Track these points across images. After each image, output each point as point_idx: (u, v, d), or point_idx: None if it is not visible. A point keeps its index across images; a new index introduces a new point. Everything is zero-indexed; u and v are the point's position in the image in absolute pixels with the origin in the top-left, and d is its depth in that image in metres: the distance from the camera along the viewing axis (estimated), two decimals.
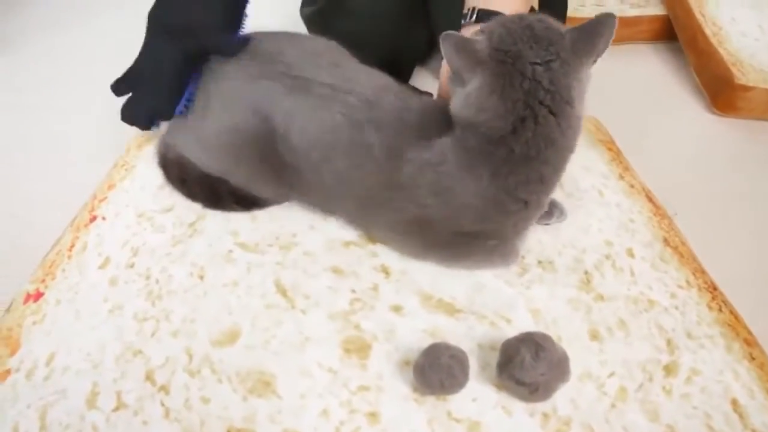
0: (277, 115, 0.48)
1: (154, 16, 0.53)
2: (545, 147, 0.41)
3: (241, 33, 0.54)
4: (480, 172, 0.43)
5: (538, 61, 0.40)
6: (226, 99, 0.50)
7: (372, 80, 0.49)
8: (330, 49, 0.53)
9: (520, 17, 0.43)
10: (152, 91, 0.53)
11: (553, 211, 0.52)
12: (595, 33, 0.41)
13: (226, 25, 0.53)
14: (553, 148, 0.42)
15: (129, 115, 0.54)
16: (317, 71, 0.48)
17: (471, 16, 0.52)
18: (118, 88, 0.55)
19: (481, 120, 0.41)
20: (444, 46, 0.41)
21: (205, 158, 0.52)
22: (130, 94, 0.55)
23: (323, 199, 0.51)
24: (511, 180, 0.43)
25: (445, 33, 0.40)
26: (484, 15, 0.51)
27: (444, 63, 0.53)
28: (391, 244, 0.49)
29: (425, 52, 0.81)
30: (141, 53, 0.54)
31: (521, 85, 0.40)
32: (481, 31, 0.43)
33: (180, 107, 0.52)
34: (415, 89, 0.56)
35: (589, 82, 0.43)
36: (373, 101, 0.47)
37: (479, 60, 0.41)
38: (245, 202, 0.53)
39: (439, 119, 0.46)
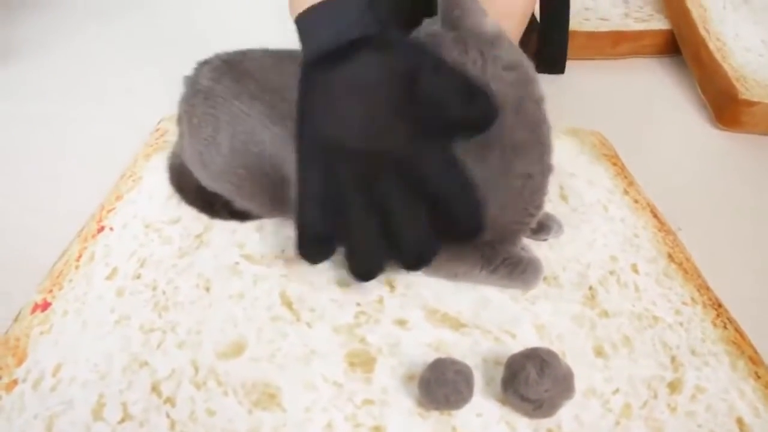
0: (289, 163, 0.45)
1: (325, 118, 0.41)
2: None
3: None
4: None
5: None
6: (237, 139, 0.48)
7: None
8: None
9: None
10: (410, 212, 0.41)
11: (551, 226, 0.52)
12: None
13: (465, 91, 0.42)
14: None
15: (380, 263, 0.43)
16: None
17: None
18: (317, 252, 0.43)
19: None
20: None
21: (209, 183, 0.52)
22: (353, 252, 0.43)
23: None
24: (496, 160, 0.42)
25: None
26: None
27: None
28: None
29: None
30: (322, 178, 0.41)
31: None
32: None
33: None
34: None
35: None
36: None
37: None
38: (239, 215, 0.53)
39: None
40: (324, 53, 0.42)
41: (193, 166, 0.53)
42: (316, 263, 0.45)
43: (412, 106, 0.40)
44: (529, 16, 0.55)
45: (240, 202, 0.52)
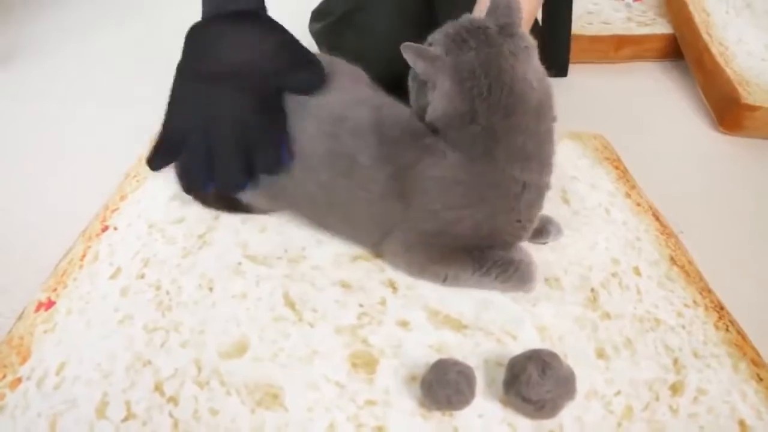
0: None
1: (191, 67, 0.49)
2: (507, 116, 0.42)
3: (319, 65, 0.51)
4: (472, 156, 0.44)
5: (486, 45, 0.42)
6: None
7: (345, 96, 0.50)
8: (343, 71, 0.53)
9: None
10: (231, 144, 0.47)
11: (549, 229, 0.52)
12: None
13: (296, 61, 0.50)
14: (517, 115, 0.43)
15: (203, 183, 0.49)
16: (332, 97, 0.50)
17: None
18: (155, 161, 0.49)
19: (455, 113, 0.43)
20: (406, 56, 0.43)
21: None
22: (184, 163, 0.50)
23: (314, 213, 0.52)
24: (500, 159, 0.44)
25: (403, 44, 0.43)
26: None
27: None
28: (403, 257, 0.49)
29: None
30: (176, 110, 0.49)
31: (474, 71, 0.42)
32: (430, 43, 0.45)
33: (284, 156, 0.48)
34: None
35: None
36: (342, 115, 0.48)
37: (438, 62, 0.43)
38: (228, 204, 0.53)
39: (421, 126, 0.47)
40: (212, 16, 0.51)
41: None
42: (156, 170, 0.51)
43: (266, 60, 0.48)
44: (532, 20, 0.56)
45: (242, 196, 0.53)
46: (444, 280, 0.48)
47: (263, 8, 0.53)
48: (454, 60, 0.43)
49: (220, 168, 0.48)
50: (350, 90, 0.51)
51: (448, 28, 0.45)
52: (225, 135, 0.47)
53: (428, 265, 0.48)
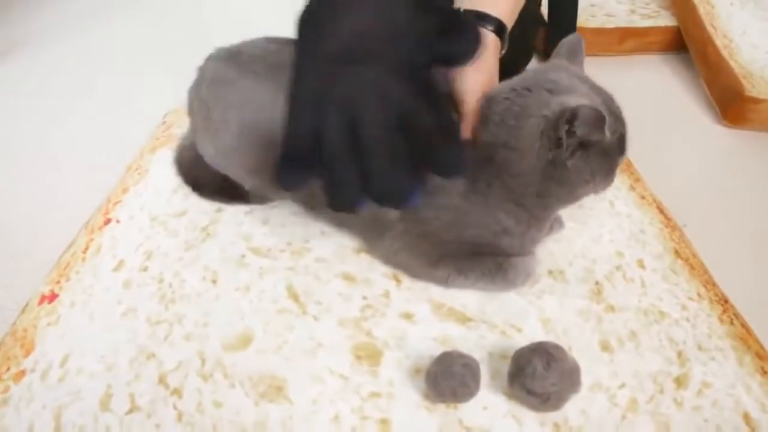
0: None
1: (313, 49, 0.37)
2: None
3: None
4: (481, 185, 0.44)
5: None
6: (246, 117, 0.49)
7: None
8: None
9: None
10: (394, 149, 0.35)
11: (552, 224, 0.52)
12: None
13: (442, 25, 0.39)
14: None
15: (365, 196, 0.36)
16: None
17: None
18: (290, 177, 0.37)
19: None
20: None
21: (221, 163, 0.52)
22: (329, 174, 0.36)
23: (315, 204, 0.51)
24: (494, 199, 0.44)
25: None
26: (470, 16, 0.50)
27: None
28: (398, 261, 0.49)
29: None
30: (307, 107, 0.36)
31: None
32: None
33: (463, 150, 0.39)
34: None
35: None
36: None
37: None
38: (226, 194, 0.53)
39: None
40: None
41: (205, 151, 0.53)
42: (290, 189, 0.41)
43: (405, 27, 0.37)
44: (517, 12, 0.54)
45: (250, 182, 0.52)
46: (443, 282, 0.48)
47: None
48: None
49: (381, 178, 0.36)
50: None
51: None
52: (377, 133, 0.35)
53: (419, 267, 0.48)
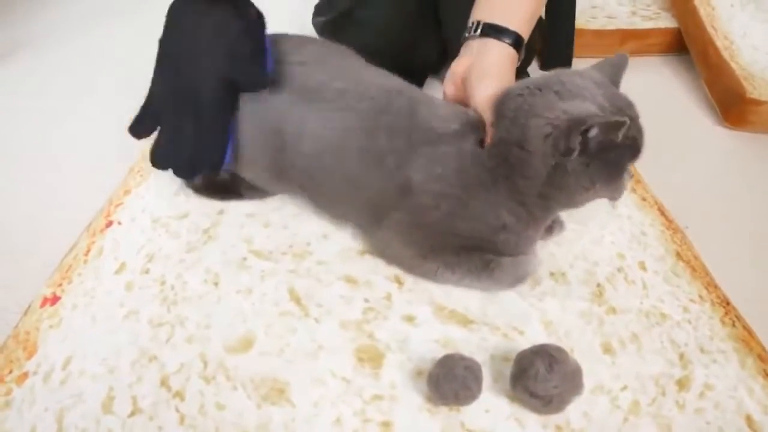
0: (289, 126, 0.48)
1: (168, 42, 0.49)
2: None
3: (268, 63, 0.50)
4: (487, 180, 0.44)
5: None
6: (245, 110, 0.50)
7: (384, 83, 0.50)
8: (341, 53, 0.53)
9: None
10: (184, 134, 0.48)
11: (553, 227, 0.52)
12: None
13: (250, 55, 0.49)
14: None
15: (164, 162, 0.50)
16: (329, 76, 0.49)
17: (475, 30, 0.52)
18: (137, 129, 0.50)
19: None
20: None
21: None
22: (157, 137, 0.50)
23: (333, 202, 0.52)
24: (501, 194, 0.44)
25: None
26: (488, 29, 0.51)
27: (450, 70, 0.53)
28: (390, 253, 0.49)
29: (437, 62, 0.81)
30: (155, 86, 0.50)
31: None
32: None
33: (228, 156, 0.49)
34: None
35: None
36: (384, 106, 0.47)
37: None
38: (218, 190, 0.55)
39: (448, 124, 0.46)
40: None
41: None
42: (139, 137, 0.50)
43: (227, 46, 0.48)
44: (536, 19, 0.55)
45: (249, 177, 0.53)
46: (432, 275, 0.48)
47: None
48: None
49: (174, 153, 0.49)
50: (383, 75, 0.51)
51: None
52: (181, 122, 0.48)
53: (410, 258, 0.48)
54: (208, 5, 0.49)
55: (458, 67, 0.52)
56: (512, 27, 0.51)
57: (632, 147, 0.43)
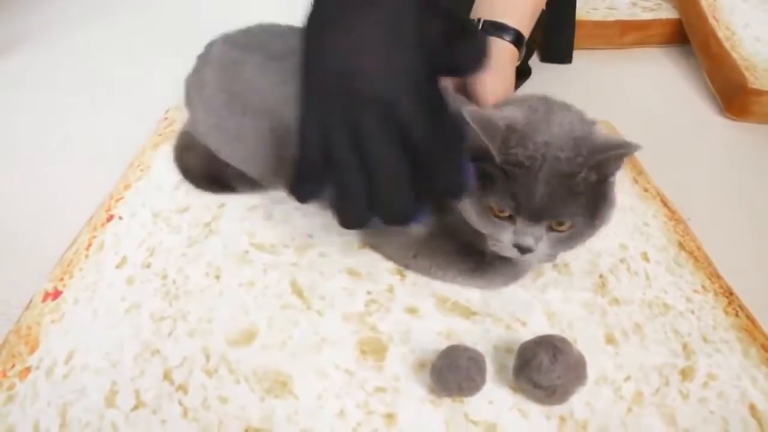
0: (289, 111, 0.46)
1: (318, 64, 0.36)
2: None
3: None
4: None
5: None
6: (250, 103, 0.49)
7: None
8: None
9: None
10: (398, 165, 0.35)
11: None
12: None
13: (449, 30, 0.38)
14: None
15: (373, 212, 0.37)
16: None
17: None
18: (303, 190, 0.38)
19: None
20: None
21: (223, 149, 0.53)
22: (340, 190, 0.37)
23: None
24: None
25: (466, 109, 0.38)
26: (489, 26, 0.51)
27: None
28: (384, 251, 0.49)
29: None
30: (314, 122, 0.36)
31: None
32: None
33: (467, 173, 0.38)
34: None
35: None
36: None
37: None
38: (216, 185, 0.54)
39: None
40: None
41: (208, 139, 0.54)
42: (304, 202, 0.41)
43: (410, 36, 0.35)
44: (537, 14, 0.55)
45: (251, 169, 0.52)
46: (426, 272, 0.47)
47: None
48: None
49: (385, 196, 0.36)
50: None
51: None
52: (379, 149, 0.35)
53: (405, 258, 0.48)
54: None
55: None
56: (513, 24, 0.50)
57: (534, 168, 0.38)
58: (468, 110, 0.39)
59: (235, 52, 0.51)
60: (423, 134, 0.34)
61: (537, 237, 0.40)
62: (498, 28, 0.50)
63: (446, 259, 0.47)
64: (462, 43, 0.37)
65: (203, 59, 0.54)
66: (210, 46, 0.54)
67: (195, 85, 0.54)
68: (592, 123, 0.42)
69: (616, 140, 0.41)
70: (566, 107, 0.42)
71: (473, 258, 0.46)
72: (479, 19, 0.51)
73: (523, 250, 0.40)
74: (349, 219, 0.38)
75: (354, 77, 0.34)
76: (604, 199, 0.41)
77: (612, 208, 0.42)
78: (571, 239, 0.41)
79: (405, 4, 0.35)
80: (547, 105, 0.42)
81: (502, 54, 0.50)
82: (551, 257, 0.42)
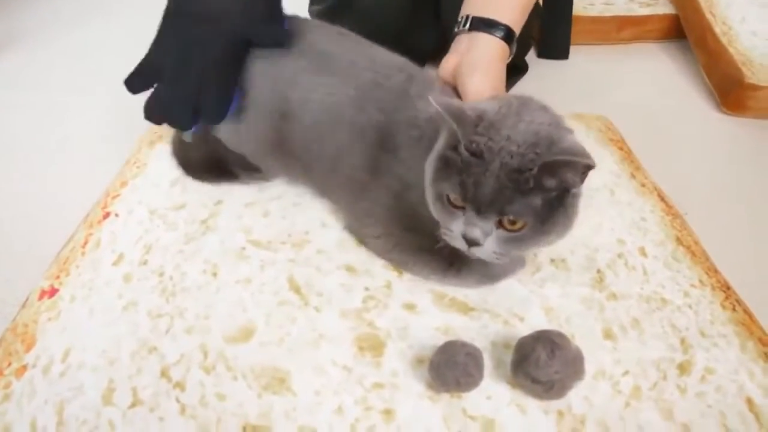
0: (296, 93, 0.49)
1: (178, 1, 0.51)
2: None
3: (284, 23, 0.52)
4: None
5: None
6: (249, 78, 0.51)
7: (391, 59, 0.51)
8: (353, 35, 0.54)
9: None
10: (190, 86, 0.49)
11: None
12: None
13: (267, 15, 0.51)
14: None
15: (161, 113, 0.51)
16: (343, 48, 0.50)
17: (465, 24, 0.52)
18: (132, 83, 0.51)
19: None
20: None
21: (223, 131, 0.54)
22: (155, 90, 0.51)
23: (321, 175, 0.52)
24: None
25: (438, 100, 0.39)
26: (477, 23, 0.51)
27: (440, 65, 0.52)
28: (368, 247, 0.49)
29: (436, 50, 0.81)
30: (159, 43, 0.51)
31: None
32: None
33: (233, 107, 0.50)
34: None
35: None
36: (382, 79, 0.48)
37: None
38: (215, 173, 0.55)
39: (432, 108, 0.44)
40: None
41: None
42: (132, 91, 0.51)
43: (241, 7, 0.50)
44: (530, 7, 0.55)
45: (250, 148, 0.53)
46: (404, 267, 0.48)
47: None
48: None
49: (175, 104, 0.50)
50: (389, 54, 0.51)
51: None
52: (188, 75, 0.49)
53: (383, 253, 0.49)
54: None
55: (448, 62, 0.51)
56: (502, 20, 0.50)
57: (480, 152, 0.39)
58: (434, 97, 0.39)
59: None
60: (209, 75, 0.49)
61: (485, 231, 0.39)
62: (487, 24, 0.50)
63: (417, 257, 0.47)
64: (274, 24, 0.51)
65: None
66: None
67: None
68: (568, 130, 0.41)
69: (574, 148, 0.38)
70: (544, 109, 0.42)
71: (448, 257, 0.45)
72: (468, 16, 0.51)
73: (470, 242, 0.40)
74: (152, 111, 0.51)
75: (200, 22, 0.49)
76: (563, 211, 0.39)
77: (570, 224, 0.40)
78: (521, 242, 0.40)
79: None
80: (523, 103, 0.41)
81: (490, 51, 0.50)
82: (501, 257, 0.41)
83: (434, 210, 0.42)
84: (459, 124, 0.39)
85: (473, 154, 0.38)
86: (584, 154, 0.37)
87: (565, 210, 0.39)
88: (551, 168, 0.37)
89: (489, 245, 0.40)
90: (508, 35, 0.50)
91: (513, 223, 0.39)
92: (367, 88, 0.48)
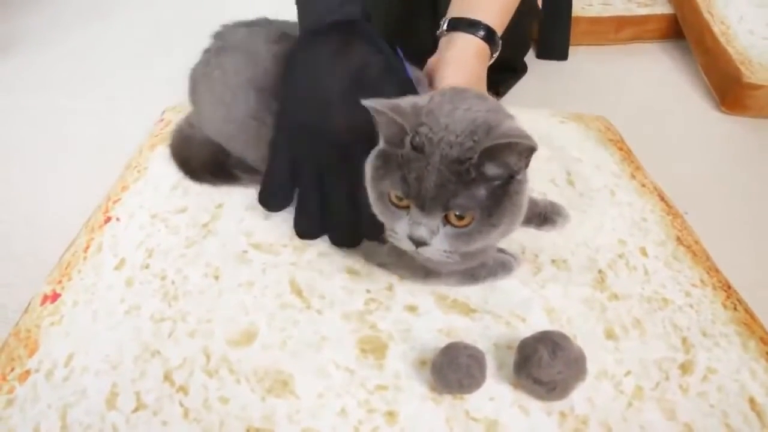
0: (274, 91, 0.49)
1: (293, 103, 0.47)
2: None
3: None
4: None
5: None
6: (255, 82, 0.51)
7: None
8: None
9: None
10: (344, 194, 0.46)
11: (555, 219, 0.51)
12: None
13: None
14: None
15: (322, 231, 0.49)
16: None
17: (445, 25, 0.52)
18: (272, 201, 0.50)
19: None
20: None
21: (231, 132, 0.54)
22: (299, 203, 0.49)
23: None
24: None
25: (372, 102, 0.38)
26: (455, 23, 0.51)
27: (428, 61, 0.52)
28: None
29: (434, 47, 0.81)
30: (286, 143, 0.47)
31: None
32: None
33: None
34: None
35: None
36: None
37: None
38: (215, 175, 0.55)
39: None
40: (310, 31, 0.48)
41: (213, 125, 0.54)
42: (272, 211, 0.51)
43: (359, 93, 0.40)
44: (511, 13, 0.55)
45: (253, 154, 0.53)
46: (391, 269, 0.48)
47: (364, 15, 0.49)
48: None
49: (334, 216, 0.48)
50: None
51: None
52: (336, 187, 0.47)
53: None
54: (342, 44, 0.46)
55: (429, 63, 0.52)
56: (484, 20, 0.50)
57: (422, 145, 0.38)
58: (368, 100, 0.38)
59: (240, 32, 0.53)
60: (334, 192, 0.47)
61: (432, 229, 0.38)
62: (465, 24, 0.50)
63: (402, 258, 0.46)
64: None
65: (214, 44, 0.55)
66: (225, 34, 0.55)
67: (203, 72, 0.54)
68: (507, 116, 0.39)
69: (513, 131, 0.37)
70: (481, 98, 0.40)
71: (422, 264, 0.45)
72: (446, 19, 0.52)
73: (417, 242, 0.38)
74: (303, 231, 0.49)
75: (320, 131, 0.46)
76: (509, 199, 0.38)
77: (519, 213, 0.39)
78: (470, 236, 0.38)
79: (374, 61, 0.46)
80: (458, 93, 0.40)
81: (466, 49, 0.50)
82: (451, 255, 0.39)
83: (377, 211, 0.40)
84: (402, 115, 0.37)
85: (416, 147, 0.37)
86: (524, 136, 0.36)
87: (511, 199, 0.38)
88: (491, 154, 0.36)
89: (437, 244, 0.38)
90: (487, 34, 0.50)
91: (460, 218, 0.37)
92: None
